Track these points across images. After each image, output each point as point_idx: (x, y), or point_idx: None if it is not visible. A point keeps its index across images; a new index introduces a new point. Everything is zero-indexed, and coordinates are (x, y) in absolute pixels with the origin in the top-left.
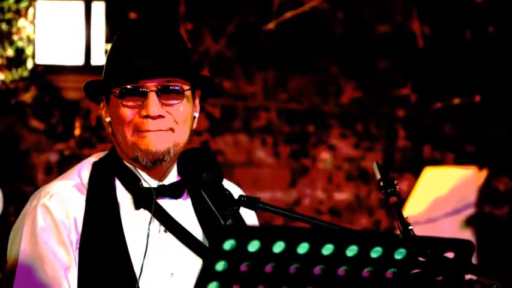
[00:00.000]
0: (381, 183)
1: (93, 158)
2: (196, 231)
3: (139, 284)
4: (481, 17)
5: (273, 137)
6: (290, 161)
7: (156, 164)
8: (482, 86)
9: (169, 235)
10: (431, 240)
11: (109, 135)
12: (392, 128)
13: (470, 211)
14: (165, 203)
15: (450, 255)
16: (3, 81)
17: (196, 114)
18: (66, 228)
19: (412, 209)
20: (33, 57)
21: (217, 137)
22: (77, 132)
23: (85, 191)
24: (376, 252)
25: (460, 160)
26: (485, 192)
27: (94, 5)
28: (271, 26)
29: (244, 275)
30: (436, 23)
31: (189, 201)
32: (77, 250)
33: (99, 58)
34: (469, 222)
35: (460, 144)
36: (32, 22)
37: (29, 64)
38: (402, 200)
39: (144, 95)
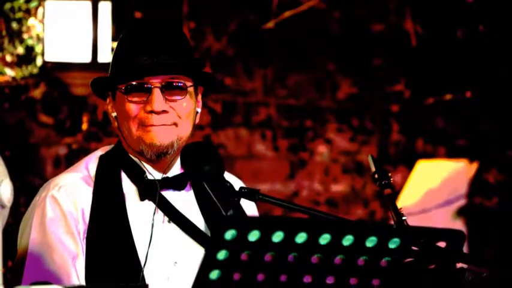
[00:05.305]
0: (376, 176)
1: (100, 152)
2: (199, 222)
3: (144, 272)
4: (471, 16)
5: (272, 131)
6: (289, 154)
7: (160, 157)
8: (473, 82)
9: (172, 225)
10: (424, 230)
11: (115, 130)
12: (386, 123)
13: (461, 202)
14: (169, 195)
15: (442, 244)
16: (13, 78)
17: (199, 110)
18: (74, 219)
19: (405, 201)
20: (43, 54)
21: (219, 131)
22: (84, 126)
23: (92, 183)
24: (371, 242)
25: (452, 153)
26: (476, 184)
27: (101, 4)
28: (270, 25)
29: (245, 263)
30: (429, 23)
31: (191, 192)
32: (85, 240)
33: (105, 56)
34: (460, 213)
35: (452, 138)
36: (42, 21)
37: (39, 61)
38: (396, 192)
39: (149, 91)
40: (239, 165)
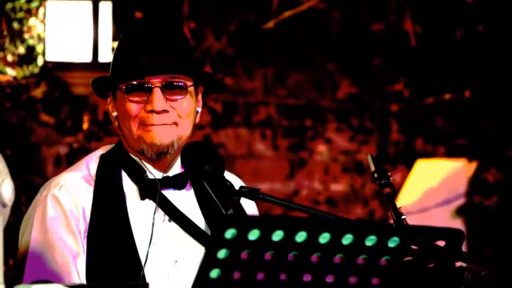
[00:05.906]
0: (375, 175)
1: (101, 151)
2: (199, 221)
3: (145, 271)
4: (471, 16)
5: (272, 130)
6: (288, 154)
7: (160, 156)
8: (472, 82)
9: (173, 224)
10: (423, 229)
11: (115, 129)
12: (386, 122)
13: (460, 201)
14: (169, 194)
15: (441, 243)
16: (15, 78)
17: (199, 109)
18: (75, 218)
19: (405, 200)
20: (44, 54)
21: (219, 131)
22: (85, 126)
23: (93, 182)
24: (370, 241)
25: (451, 153)
26: (475, 183)
27: (101, 4)
28: (270, 25)
29: (245, 262)
30: (428, 22)
31: (192, 192)
32: (85, 239)
33: (106, 55)
34: (459, 212)
35: (451, 138)
36: (43, 21)
37: (40, 61)
38: (395, 191)
39: (149, 91)
40: (239, 164)
